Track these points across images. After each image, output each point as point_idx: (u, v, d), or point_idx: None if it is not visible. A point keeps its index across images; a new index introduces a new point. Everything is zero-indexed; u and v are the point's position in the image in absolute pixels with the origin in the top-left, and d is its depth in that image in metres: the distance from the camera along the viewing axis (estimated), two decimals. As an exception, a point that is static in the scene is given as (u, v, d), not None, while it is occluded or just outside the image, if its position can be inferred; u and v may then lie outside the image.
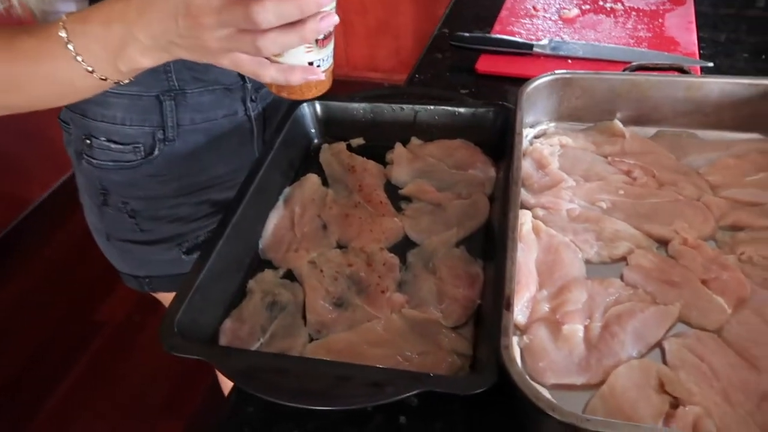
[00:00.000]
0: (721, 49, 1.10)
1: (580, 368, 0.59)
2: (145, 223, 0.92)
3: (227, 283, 0.71)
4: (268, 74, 0.54)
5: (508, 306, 0.55)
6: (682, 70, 0.87)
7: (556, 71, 0.87)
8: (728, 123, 0.86)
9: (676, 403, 0.55)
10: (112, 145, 0.82)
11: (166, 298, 1.10)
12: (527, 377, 0.51)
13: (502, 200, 0.71)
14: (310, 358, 0.61)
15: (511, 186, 0.69)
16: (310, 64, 0.57)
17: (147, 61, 0.55)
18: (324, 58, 0.58)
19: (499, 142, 0.85)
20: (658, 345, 0.61)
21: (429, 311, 0.67)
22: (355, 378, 0.54)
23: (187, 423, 1.79)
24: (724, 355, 0.59)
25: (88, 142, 0.83)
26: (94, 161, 0.85)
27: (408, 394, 0.52)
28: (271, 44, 0.50)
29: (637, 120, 0.89)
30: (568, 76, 0.87)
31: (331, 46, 0.59)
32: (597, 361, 0.60)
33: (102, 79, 0.57)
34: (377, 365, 0.61)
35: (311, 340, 0.66)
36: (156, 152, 0.84)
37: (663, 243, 0.72)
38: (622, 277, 0.68)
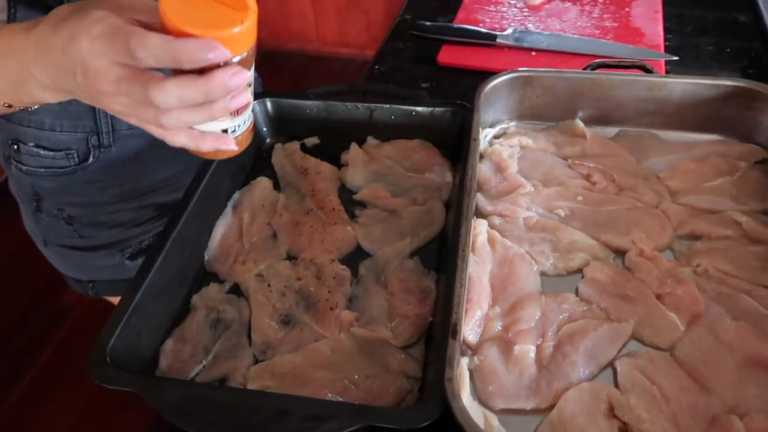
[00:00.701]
0: (687, 41, 1.08)
1: (530, 392, 0.58)
2: (83, 230, 0.87)
3: (169, 300, 0.68)
4: (177, 140, 0.48)
5: (455, 334, 0.53)
6: (644, 69, 0.85)
7: (517, 70, 0.83)
8: (690, 123, 0.84)
9: (625, 429, 0.54)
10: (42, 152, 0.77)
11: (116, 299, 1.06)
12: (469, 411, 0.49)
13: (457, 210, 0.68)
14: (249, 390, 0.58)
15: (465, 198, 0.66)
16: (225, 131, 0.51)
17: (50, 97, 0.50)
18: (239, 123, 0.52)
19: (457, 143, 0.82)
20: (610, 365, 0.60)
21: (379, 330, 0.64)
22: (295, 412, 0.52)
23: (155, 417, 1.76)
24: (674, 376, 0.58)
25: (15, 147, 0.78)
26: (24, 167, 0.80)
27: (350, 430, 0.50)
28: (175, 121, 0.45)
29: (598, 119, 0.87)
30: (528, 74, 0.84)
31: (248, 110, 0.52)
32: (548, 384, 0.58)
33: (7, 106, 0.52)
34: (323, 391, 0.59)
35: (256, 360, 0.63)
36: (91, 159, 0.79)
37: (620, 253, 0.71)
38: (577, 291, 0.67)
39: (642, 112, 0.85)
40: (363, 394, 0.59)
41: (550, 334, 0.62)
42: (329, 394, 0.59)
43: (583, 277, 0.68)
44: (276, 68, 2.99)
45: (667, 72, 0.99)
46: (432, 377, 0.58)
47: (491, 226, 0.73)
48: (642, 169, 0.80)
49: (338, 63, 3.05)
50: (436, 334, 0.63)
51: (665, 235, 0.71)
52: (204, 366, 0.63)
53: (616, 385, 0.58)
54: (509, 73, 0.83)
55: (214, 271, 0.73)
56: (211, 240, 0.76)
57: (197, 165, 0.77)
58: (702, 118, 0.83)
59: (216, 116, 0.46)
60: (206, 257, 0.74)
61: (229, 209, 0.79)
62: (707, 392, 0.56)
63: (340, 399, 0.58)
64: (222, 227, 0.77)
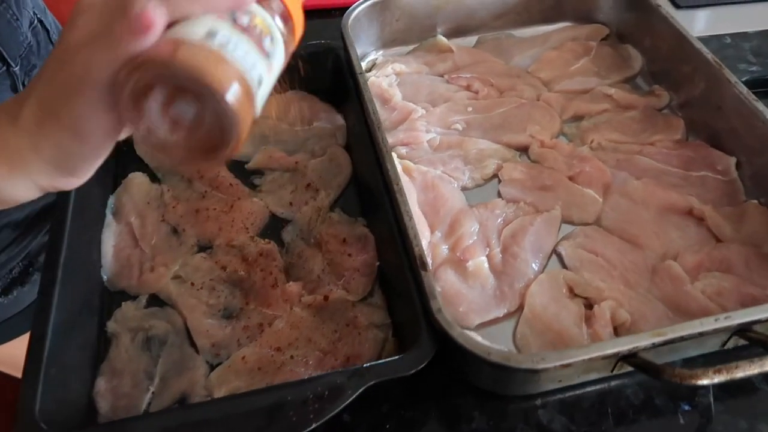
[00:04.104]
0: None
1: (497, 300, 0.59)
2: None
3: (82, 337, 0.58)
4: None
5: (424, 266, 0.52)
6: (488, -27, 0.87)
7: (372, -5, 0.81)
8: (538, 17, 0.89)
9: (589, 303, 0.58)
10: None
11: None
12: (468, 334, 0.48)
13: (365, 148, 0.66)
14: (225, 399, 0.52)
15: (376, 133, 0.64)
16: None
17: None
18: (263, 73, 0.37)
19: (334, 86, 0.78)
20: (554, 252, 0.63)
21: (330, 291, 0.61)
22: (288, 402, 0.47)
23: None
24: (611, 243, 0.62)
25: None
26: None
27: (356, 396, 0.47)
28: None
29: (457, 31, 0.88)
30: (384, -2, 0.81)
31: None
32: (510, 287, 0.60)
33: None
34: (300, 371, 0.55)
35: (212, 367, 0.57)
36: None
37: (523, 150, 0.74)
38: (499, 195, 0.69)
39: (494, 15, 0.88)
40: (342, 358, 0.56)
41: (493, 241, 0.63)
42: (308, 372, 0.55)
43: (500, 181, 0.70)
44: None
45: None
46: (404, 317, 0.57)
47: (400, 156, 0.72)
48: (513, 69, 0.83)
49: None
50: (391, 276, 0.61)
51: (555, 123, 0.75)
52: (153, 393, 0.55)
53: (566, 268, 0.62)
54: (366, 1, 0.80)
55: (121, 288, 0.63)
56: (104, 256, 0.65)
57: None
58: (547, 10, 0.88)
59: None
60: (105, 277, 0.64)
61: (110, 218, 0.68)
62: (641, 248, 0.62)
63: (325, 371, 0.54)
64: (110, 239, 0.66)
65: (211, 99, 0.31)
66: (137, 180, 0.72)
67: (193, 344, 0.58)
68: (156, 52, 0.31)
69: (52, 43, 0.80)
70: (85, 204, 0.66)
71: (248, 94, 0.33)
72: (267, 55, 0.35)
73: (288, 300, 0.60)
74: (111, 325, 0.60)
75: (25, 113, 0.35)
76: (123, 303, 0.62)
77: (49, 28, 0.79)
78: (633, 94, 0.77)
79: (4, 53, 0.69)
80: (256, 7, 0.36)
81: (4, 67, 0.69)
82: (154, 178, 0.73)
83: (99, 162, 0.38)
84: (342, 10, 0.97)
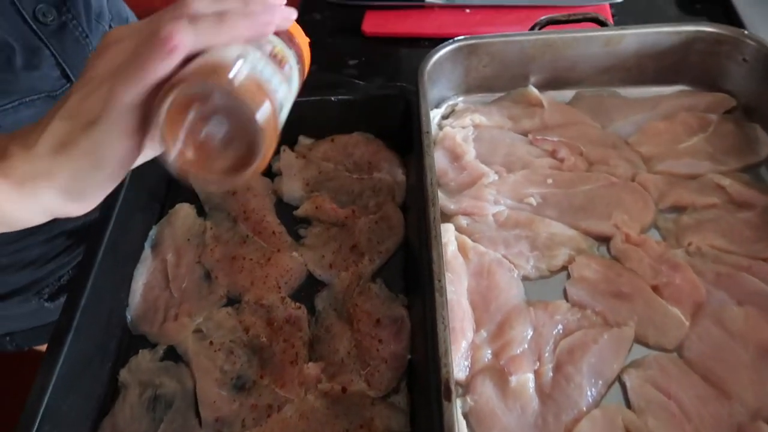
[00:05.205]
0: (628, -23, 0.99)
1: (537, 430, 0.50)
2: None
3: (91, 384, 0.56)
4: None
5: (449, 394, 0.44)
6: (598, 21, 0.76)
7: (458, 39, 0.72)
8: (651, 76, 0.76)
9: (648, 458, 0.48)
10: None
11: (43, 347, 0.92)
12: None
13: (420, 213, 0.58)
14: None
15: (428, 207, 0.56)
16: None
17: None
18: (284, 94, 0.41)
19: (403, 131, 0.71)
20: (618, 378, 0.53)
21: (351, 381, 0.55)
22: None
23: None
24: (689, 384, 0.51)
25: None
26: None
27: None
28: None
29: (553, 83, 0.78)
30: (472, 42, 0.73)
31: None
32: (555, 417, 0.51)
33: None
34: (298, 474, 0.49)
35: (211, 443, 0.53)
36: None
37: (604, 241, 0.63)
38: (565, 294, 0.59)
39: (599, 69, 0.77)
40: (346, 467, 0.50)
41: (546, 354, 0.54)
42: (307, 474, 0.49)
43: (569, 276, 0.60)
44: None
45: (613, 17, 0.91)
46: (422, 429, 0.50)
47: (458, 229, 0.64)
48: (609, 136, 0.72)
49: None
50: (420, 373, 0.54)
51: (648, 213, 0.64)
52: (148, 461, 0.52)
53: (628, 404, 0.52)
54: (451, 43, 0.72)
55: (142, 333, 0.61)
56: (132, 294, 0.63)
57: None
58: (664, 69, 0.75)
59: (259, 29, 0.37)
60: (129, 317, 0.62)
61: (147, 251, 0.66)
62: (727, 397, 0.50)
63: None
64: (143, 276, 0.64)
65: (244, 118, 0.33)
66: (183, 212, 0.69)
67: (197, 413, 0.55)
68: (194, 71, 0.33)
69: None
70: (125, 233, 0.64)
71: (275, 114, 0.35)
72: (288, 79, 0.39)
73: (304, 383, 0.55)
74: (123, 375, 0.57)
75: (42, 140, 0.35)
76: (140, 351, 0.59)
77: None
78: (752, 189, 0.64)
79: (68, 70, 0.68)
80: (273, 37, 0.39)
81: (67, 84, 0.69)
82: (201, 212, 0.71)
83: (110, 189, 0.38)
84: (432, 41, 0.91)
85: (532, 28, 0.77)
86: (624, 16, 0.91)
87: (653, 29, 0.73)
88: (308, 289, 0.63)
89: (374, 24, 0.94)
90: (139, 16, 0.85)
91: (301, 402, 0.54)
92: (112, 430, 0.54)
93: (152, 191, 0.70)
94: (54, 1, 0.66)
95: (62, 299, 0.81)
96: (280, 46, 0.39)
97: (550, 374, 0.53)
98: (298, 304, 0.61)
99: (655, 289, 0.58)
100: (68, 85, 0.69)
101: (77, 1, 0.68)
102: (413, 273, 0.61)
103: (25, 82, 0.66)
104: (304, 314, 0.60)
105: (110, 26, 0.75)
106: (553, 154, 0.71)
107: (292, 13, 0.40)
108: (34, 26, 0.64)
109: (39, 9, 0.64)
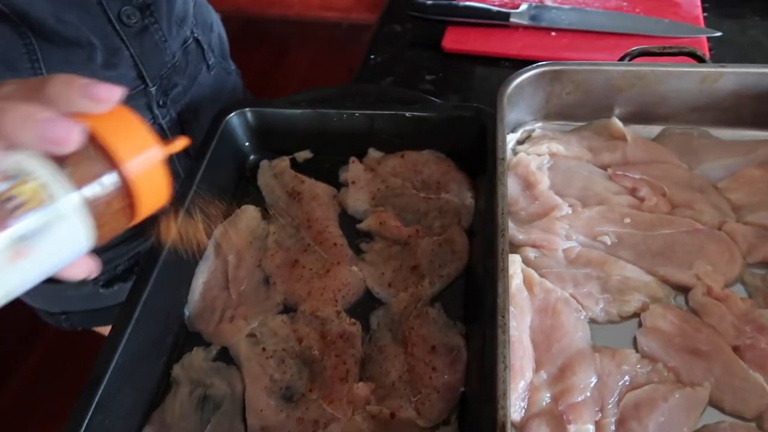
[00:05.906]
0: (727, 11, 0.94)
1: (593, 487, 0.47)
2: None
3: (145, 377, 0.56)
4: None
5: (505, 440, 0.42)
6: (695, 56, 0.72)
7: (543, 64, 0.70)
8: (749, 119, 0.71)
9: None
10: None
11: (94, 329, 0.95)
12: None
13: (486, 240, 0.56)
14: None
15: (498, 238, 0.54)
16: None
17: None
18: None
19: (476, 153, 0.69)
20: (687, 444, 0.49)
21: (401, 407, 0.53)
22: None
23: None
24: (770, 460, 0.47)
25: None
26: None
27: None
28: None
29: (638, 116, 0.74)
30: (557, 68, 0.70)
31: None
32: (614, 476, 0.47)
33: None
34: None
35: (254, 452, 0.52)
36: None
37: (683, 291, 0.59)
38: (635, 343, 0.56)
39: (690, 106, 0.72)
40: (388, 498, 0.48)
41: (610, 406, 0.51)
42: (346, 500, 0.48)
43: (640, 324, 0.57)
44: (257, 39, 2.80)
45: (710, 51, 0.86)
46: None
47: (525, 261, 0.62)
48: (696, 179, 0.68)
49: (323, 28, 2.86)
50: (473, 408, 0.52)
51: (734, 266, 0.59)
52: (191, 462, 0.52)
53: (697, 472, 0.48)
54: (535, 68, 0.70)
55: (198, 330, 0.61)
56: (192, 292, 0.63)
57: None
58: (764, 113, 0.70)
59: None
60: (187, 313, 0.62)
61: (210, 250, 0.67)
62: (811, 481, 0.46)
63: None
64: (203, 275, 0.65)
65: None
66: (249, 213, 0.70)
67: (244, 419, 0.54)
68: None
69: (205, 60, 0.80)
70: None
71: None
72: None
73: (352, 402, 0.54)
74: (176, 370, 0.58)
75: None
76: (195, 348, 0.59)
77: (204, 47, 0.79)
78: None
79: (144, 73, 0.69)
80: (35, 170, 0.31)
81: (142, 86, 0.70)
82: (265, 212, 0.71)
83: None
84: (513, 62, 0.89)
85: (622, 58, 0.73)
86: (721, 51, 0.87)
87: (756, 69, 0.68)
88: (364, 306, 0.62)
89: (455, 40, 0.92)
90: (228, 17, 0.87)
91: (348, 422, 0.52)
92: (161, 424, 0.54)
93: (222, 187, 0.71)
94: (139, 4, 0.67)
95: (116, 287, 0.83)
96: (39, 183, 0.30)
97: (613, 428, 0.50)
98: (353, 320, 0.60)
99: (736, 350, 0.53)
100: (143, 86, 0.70)
101: (161, 5, 0.70)
102: (474, 302, 0.59)
103: (102, 81, 0.68)
104: (358, 331, 0.59)
105: (192, 32, 0.77)
106: (633, 192, 0.67)
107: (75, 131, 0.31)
108: (118, 27, 0.66)
109: (124, 11, 0.66)
